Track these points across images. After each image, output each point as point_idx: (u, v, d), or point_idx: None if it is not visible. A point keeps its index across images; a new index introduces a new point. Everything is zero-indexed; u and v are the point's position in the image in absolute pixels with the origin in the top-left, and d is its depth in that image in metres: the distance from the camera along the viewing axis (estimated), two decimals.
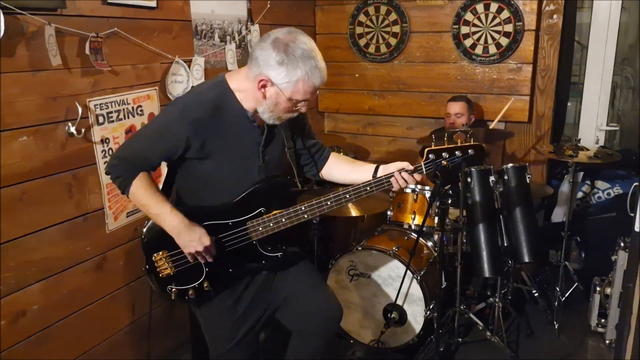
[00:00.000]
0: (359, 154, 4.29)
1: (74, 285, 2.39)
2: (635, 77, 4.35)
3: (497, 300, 2.98)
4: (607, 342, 3.03)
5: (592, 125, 3.95)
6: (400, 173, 1.89)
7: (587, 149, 3.18)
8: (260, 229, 1.87)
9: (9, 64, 2.00)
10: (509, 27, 3.57)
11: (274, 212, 1.87)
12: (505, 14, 3.55)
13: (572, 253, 3.75)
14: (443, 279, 2.84)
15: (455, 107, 3.45)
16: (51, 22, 2.10)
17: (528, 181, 2.85)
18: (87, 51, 2.26)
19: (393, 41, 3.95)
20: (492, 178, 2.78)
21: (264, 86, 1.75)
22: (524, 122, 3.75)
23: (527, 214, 2.84)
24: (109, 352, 2.60)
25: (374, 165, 1.99)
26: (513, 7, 3.52)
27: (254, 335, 2.08)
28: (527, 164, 2.89)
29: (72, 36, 2.22)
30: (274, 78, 1.72)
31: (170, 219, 1.80)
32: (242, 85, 1.81)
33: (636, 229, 1.85)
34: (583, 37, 4.00)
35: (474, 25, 3.66)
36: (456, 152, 1.90)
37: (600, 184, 3.65)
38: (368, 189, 1.88)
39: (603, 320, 3.09)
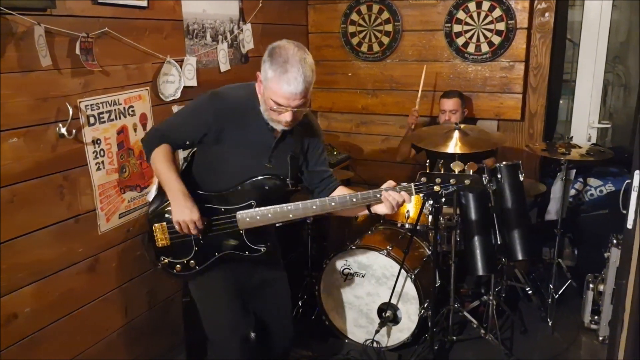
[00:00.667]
0: (353, 153, 4.29)
1: (66, 287, 2.37)
2: (627, 74, 4.38)
3: (491, 298, 2.98)
4: (600, 338, 3.05)
5: (584, 122, 3.97)
6: (388, 191, 1.91)
7: (580, 147, 3.20)
8: (248, 219, 1.98)
9: None
10: (501, 26, 3.57)
11: (263, 207, 1.98)
12: (497, 12, 3.56)
13: (565, 250, 3.76)
14: (437, 278, 2.85)
15: (450, 104, 3.45)
16: (41, 22, 2.08)
17: (521, 179, 2.85)
18: (78, 51, 2.24)
19: (386, 40, 3.95)
20: (485, 176, 2.78)
21: (259, 82, 1.91)
22: (517, 120, 3.76)
23: (521, 212, 2.85)
24: (102, 354, 2.58)
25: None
26: (505, 5, 3.52)
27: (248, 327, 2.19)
28: (520, 162, 2.89)
29: (62, 36, 2.20)
30: (261, 75, 1.89)
31: (174, 185, 1.96)
32: (260, 89, 1.94)
33: (628, 226, 1.86)
34: (575, 35, 4.02)
35: (466, 23, 3.67)
36: (451, 180, 1.87)
37: (592, 182, 3.67)
38: (354, 200, 1.96)
39: (596, 317, 3.11)
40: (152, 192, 2.12)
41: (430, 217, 2.98)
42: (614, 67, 4.34)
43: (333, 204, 1.96)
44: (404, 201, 1.92)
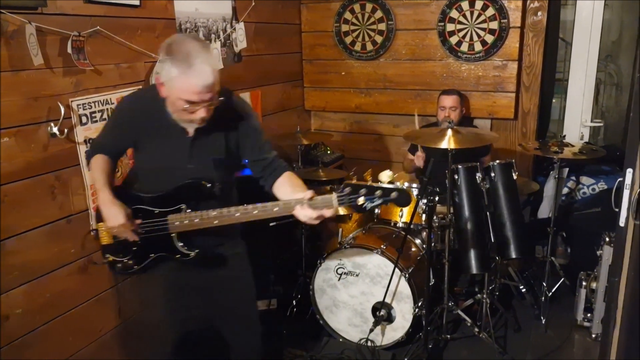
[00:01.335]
0: (346, 152, 4.29)
1: (58, 288, 2.35)
2: (619, 73, 4.40)
3: (484, 296, 2.99)
4: (593, 336, 3.06)
5: (577, 121, 3.99)
6: (303, 206, 1.76)
7: (572, 145, 3.21)
8: (177, 223, 1.93)
9: None
10: (494, 25, 3.58)
11: (191, 212, 1.93)
12: (490, 11, 3.57)
13: (558, 248, 3.78)
14: (431, 276, 2.85)
15: (449, 101, 3.47)
16: (32, 21, 2.06)
17: (514, 178, 2.86)
18: (69, 50, 2.23)
19: (379, 39, 3.95)
20: (478, 175, 2.80)
21: (161, 85, 1.80)
22: (510, 119, 3.78)
23: (514, 210, 2.85)
24: (96, 356, 2.57)
25: (310, 193, 1.80)
26: (498, 5, 3.53)
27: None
28: (513, 160, 2.90)
29: (53, 35, 2.19)
30: (162, 77, 1.78)
31: (100, 194, 1.95)
32: (164, 92, 1.84)
33: (621, 224, 1.87)
34: (567, 34, 4.04)
35: (460, 22, 3.68)
36: (376, 192, 1.70)
37: (585, 180, 3.68)
38: (276, 209, 1.81)
39: (589, 315, 3.12)
40: None
41: (424, 215, 2.99)
42: (606, 66, 4.37)
43: (256, 212, 1.83)
44: (322, 215, 1.76)
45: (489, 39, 3.61)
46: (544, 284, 3.27)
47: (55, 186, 2.30)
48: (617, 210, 1.89)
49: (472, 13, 3.62)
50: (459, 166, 2.78)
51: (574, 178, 3.71)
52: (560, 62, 4.09)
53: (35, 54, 2.10)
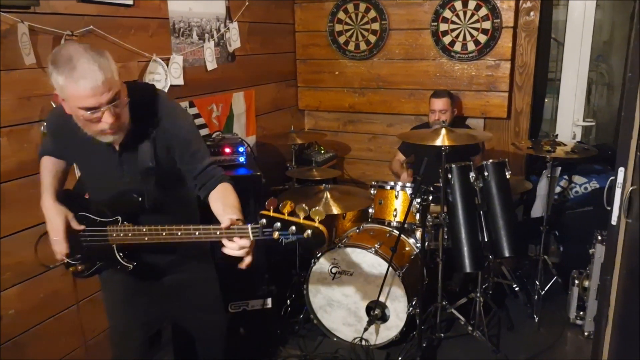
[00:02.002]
0: (339, 152, 4.30)
1: (51, 289, 2.34)
2: (610, 73, 4.43)
3: (478, 295, 3.00)
4: (586, 334, 3.08)
5: (569, 120, 4.01)
6: (222, 232, 1.64)
7: (565, 144, 3.23)
8: (114, 235, 1.86)
9: None
10: (487, 24, 3.60)
11: (127, 225, 1.85)
12: (483, 11, 3.58)
13: (550, 247, 3.80)
14: (425, 275, 2.86)
15: (439, 104, 3.47)
16: (24, 20, 2.06)
17: (507, 177, 2.88)
18: None
19: (372, 38, 3.96)
20: (472, 174, 2.81)
21: (62, 101, 1.65)
22: (503, 119, 3.79)
23: (507, 209, 2.86)
24: (88, 356, 2.56)
25: (228, 221, 1.66)
26: (491, 5, 3.55)
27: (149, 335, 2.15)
28: (506, 159, 2.91)
29: (46, 34, 2.18)
30: (56, 89, 1.61)
31: (42, 197, 1.89)
32: (66, 107, 1.69)
33: (613, 223, 1.88)
34: (559, 34, 4.06)
35: (453, 22, 3.69)
36: (290, 228, 1.58)
37: (577, 179, 3.70)
38: (197, 233, 1.72)
39: (581, 313, 3.14)
40: None
41: (417, 215, 2.99)
42: (598, 65, 4.39)
43: (179, 233, 1.73)
44: (242, 245, 1.64)
45: (482, 38, 3.63)
46: (537, 283, 3.29)
47: None
48: (609, 208, 1.90)
49: (465, 13, 3.64)
50: (452, 165, 2.78)
51: (566, 177, 3.73)
52: (552, 62, 4.11)
53: (27, 53, 2.09)
